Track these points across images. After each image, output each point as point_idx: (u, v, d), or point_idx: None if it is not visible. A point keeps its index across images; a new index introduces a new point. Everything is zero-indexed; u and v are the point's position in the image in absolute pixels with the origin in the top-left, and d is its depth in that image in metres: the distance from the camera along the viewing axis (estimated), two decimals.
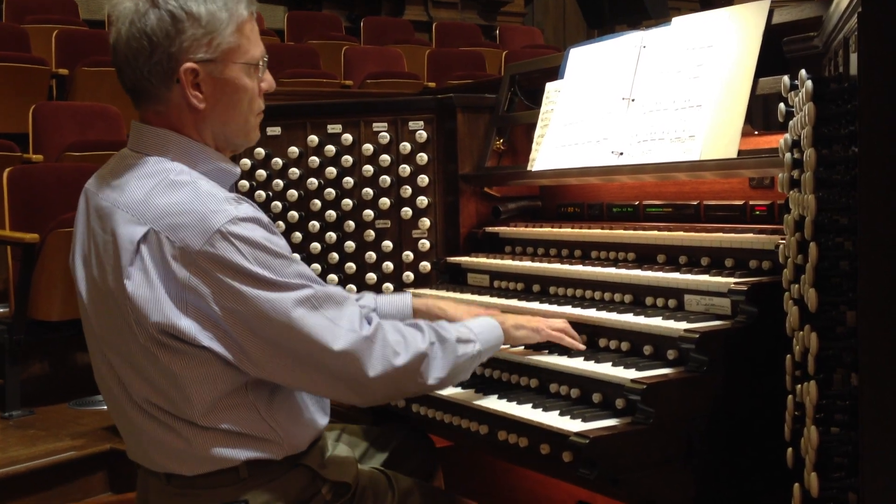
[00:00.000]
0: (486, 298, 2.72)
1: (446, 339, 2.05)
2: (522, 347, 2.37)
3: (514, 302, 2.61)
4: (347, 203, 3.15)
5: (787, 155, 1.85)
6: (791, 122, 1.87)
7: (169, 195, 1.87)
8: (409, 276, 3.10)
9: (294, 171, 3.21)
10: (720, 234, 2.36)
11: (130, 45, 1.91)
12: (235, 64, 1.97)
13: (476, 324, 2.19)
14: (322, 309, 1.89)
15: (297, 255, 1.98)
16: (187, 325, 1.84)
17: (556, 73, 3.03)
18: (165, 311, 1.84)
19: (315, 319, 1.87)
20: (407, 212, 3.11)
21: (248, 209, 1.89)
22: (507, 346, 2.30)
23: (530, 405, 2.17)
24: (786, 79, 1.90)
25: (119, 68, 1.97)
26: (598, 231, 2.74)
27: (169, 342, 1.85)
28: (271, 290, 1.84)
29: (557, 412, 2.09)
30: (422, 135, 3.12)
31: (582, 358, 2.23)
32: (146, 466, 2.03)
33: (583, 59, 2.94)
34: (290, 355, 1.88)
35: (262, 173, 3.25)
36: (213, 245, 1.82)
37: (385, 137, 3.14)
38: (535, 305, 2.52)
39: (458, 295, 2.84)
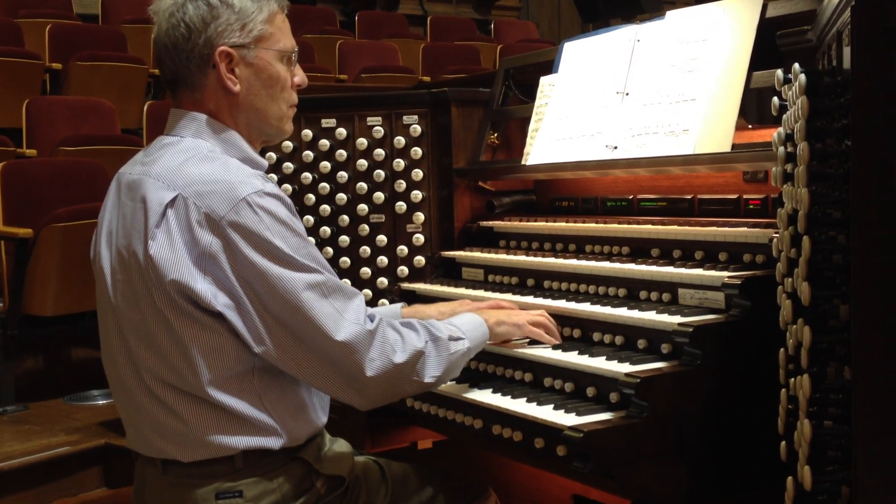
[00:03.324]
0: (481, 293, 2.72)
1: (439, 337, 2.09)
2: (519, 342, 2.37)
3: (508, 296, 2.61)
4: (341, 197, 3.15)
5: (781, 149, 1.85)
6: (784, 116, 1.87)
7: (199, 166, 1.97)
8: (403, 270, 3.10)
9: (288, 166, 3.21)
10: (714, 228, 2.36)
11: (170, 35, 2.04)
12: (268, 50, 2.09)
13: (463, 321, 2.22)
14: (330, 297, 1.94)
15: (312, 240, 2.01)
16: (203, 288, 1.89)
17: (550, 67, 3.02)
18: (183, 272, 1.89)
19: (322, 306, 1.92)
20: (401, 206, 3.11)
21: (273, 187, 1.98)
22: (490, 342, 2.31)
23: (524, 399, 2.17)
24: (779, 72, 1.90)
25: (160, 60, 2.10)
26: (593, 225, 2.73)
27: (184, 305, 1.90)
28: (286, 266, 1.90)
29: (551, 406, 2.09)
30: (416, 129, 3.11)
31: (576, 352, 2.23)
32: (144, 453, 2.05)
33: (577, 53, 2.93)
34: (295, 336, 1.92)
35: None
36: (237, 213, 1.89)
37: (379, 132, 3.14)
38: (530, 299, 2.52)
39: (452, 289, 2.83)
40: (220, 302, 1.90)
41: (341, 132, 3.16)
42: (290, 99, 2.16)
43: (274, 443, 1.99)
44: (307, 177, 3.18)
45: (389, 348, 1.98)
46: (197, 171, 1.95)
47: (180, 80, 2.08)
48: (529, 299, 2.53)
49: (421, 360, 2.03)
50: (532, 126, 2.99)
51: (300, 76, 2.17)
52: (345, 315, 1.94)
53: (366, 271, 3.12)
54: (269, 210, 1.91)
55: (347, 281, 3.12)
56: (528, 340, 2.36)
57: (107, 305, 2.05)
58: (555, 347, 2.30)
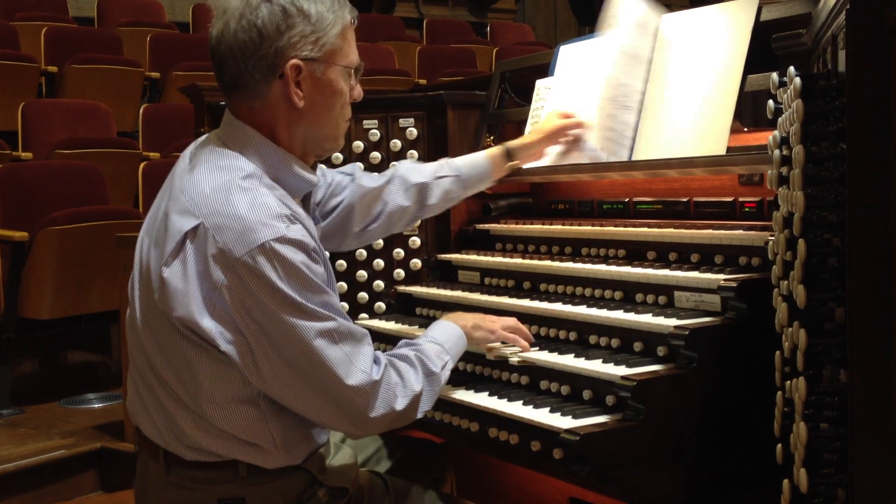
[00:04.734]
0: (477, 296, 2.71)
1: (434, 372, 2.09)
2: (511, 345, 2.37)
3: (504, 299, 2.61)
4: None
5: (776, 152, 1.85)
6: (780, 119, 1.87)
7: (228, 196, 1.89)
8: (399, 273, 3.10)
9: None
10: (710, 231, 2.36)
11: (238, 38, 1.94)
12: (336, 66, 2.02)
13: (446, 337, 2.21)
14: (341, 343, 1.91)
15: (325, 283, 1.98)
16: (209, 325, 1.87)
17: (546, 70, 3.03)
18: (191, 308, 1.86)
19: (333, 352, 1.90)
20: None
21: (297, 231, 1.90)
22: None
23: (521, 402, 2.17)
24: (775, 76, 1.91)
25: (220, 61, 1.99)
26: (589, 228, 2.74)
27: (190, 335, 1.89)
28: (297, 315, 1.86)
29: (548, 409, 2.09)
30: (412, 132, 3.11)
31: (572, 355, 2.23)
32: (146, 432, 2.03)
33: (573, 56, 2.94)
34: (302, 377, 1.90)
35: None
36: (252, 257, 1.84)
37: (375, 135, 3.14)
38: (526, 303, 2.52)
39: (448, 292, 2.83)
40: (225, 338, 1.88)
41: None
42: (347, 114, 2.10)
43: (268, 462, 1.98)
44: None
45: (391, 395, 1.98)
46: (224, 201, 1.89)
47: (240, 85, 1.98)
48: (526, 302, 2.53)
49: (418, 401, 2.05)
50: (528, 129, 2.99)
51: (357, 90, 2.10)
52: (355, 362, 1.93)
53: (362, 274, 3.12)
54: (285, 258, 1.85)
55: (343, 285, 3.12)
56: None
57: (133, 289, 2.04)
58: (551, 350, 2.30)
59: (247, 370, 1.89)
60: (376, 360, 1.99)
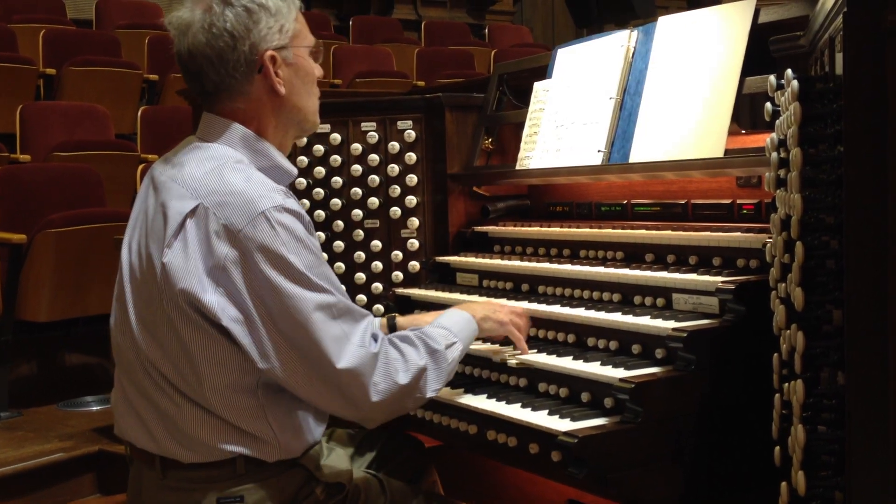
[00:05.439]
0: (475, 298, 2.71)
1: (437, 350, 2.08)
2: (511, 347, 2.37)
3: (503, 301, 2.60)
4: (336, 203, 3.15)
5: (774, 154, 1.86)
6: (777, 122, 1.87)
7: (223, 176, 1.96)
8: (398, 275, 3.10)
9: None
10: (708, 233, 2.37)
11: (213, 46, 2.01)
12: (300, 48, 2.12)
13: (453, 321, 2.21)
14: (339, 319, 1.94)
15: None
16: (212, 300, 1.89)
17: (544, 72, 3.03)
18: (194, 282, 1.89)
19: (330, 328, 1.92)
20: (396, 211, 3.11)
21: (294, 203, 1.97)
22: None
23: (519, 405, 2.17)
24: (772, 78, 1.91)
25: (198, 72, 2.05)
26: (587, 230, 2.74)
27: (191, 314, 1.90)
28: (299, 285, 1.90)
29: (546, 411, 2.09)
30: (410, 134, 3.11)
31: (571, 357, 2.23)
32: (142, 446, 2.03)
33: (570, 58, 2.94)
34: (302, 356, 1.91)
35: None
36: (255, 226, 1.89)
37: (374, 137, 3.14)
38: (524, 305, 2.52)
39: (447, 294, 2.84)
40: (229, 315, 1.89)
41: (336, 137, 3.16)
42: (318, 91, 2.19)
43: (269, 455, 1.99)
44: (301, 182, 3.18)
45: (392, 369, 1.98)
46: (220, 181, 1.95)
47: (223, 90, 2.06)
48: (524, 304, 2.53)
49: (423, 377, 2.04)
50: (526, 131, 2.99)
51: (319, 68, 2.20)
52: (351, 338, 1.94)
53: (360, 276, 3.12)
54: (286, 226, 1.91)
55: (342, 287, 3.11)
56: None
57: (122, 293, 2.06)
58: (550, 353, 2.30)
59: (251, 349, 1.91)
60: (375, 337, 2.00)
